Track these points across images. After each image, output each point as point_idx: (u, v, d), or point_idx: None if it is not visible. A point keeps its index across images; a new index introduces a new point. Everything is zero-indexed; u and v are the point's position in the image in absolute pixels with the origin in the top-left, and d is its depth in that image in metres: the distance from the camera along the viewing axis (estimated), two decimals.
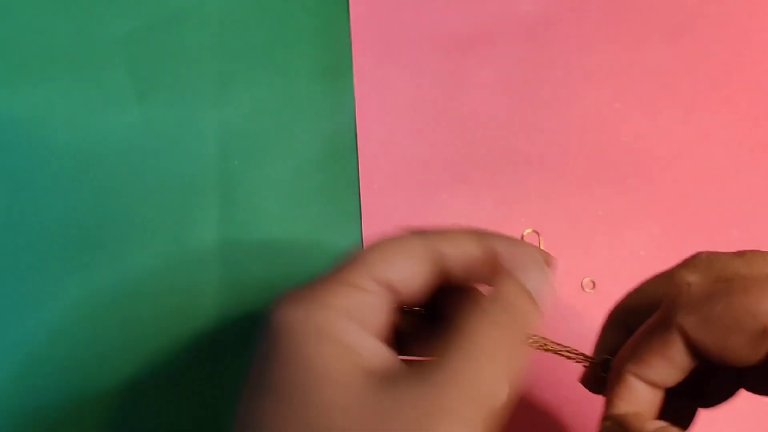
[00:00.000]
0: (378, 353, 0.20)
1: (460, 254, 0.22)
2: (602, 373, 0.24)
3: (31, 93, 0.40)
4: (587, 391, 0.26)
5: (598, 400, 0.24)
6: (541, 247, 0.37)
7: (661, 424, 0.20)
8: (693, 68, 0.41)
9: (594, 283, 0.36)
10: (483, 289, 0.24)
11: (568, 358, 0.25)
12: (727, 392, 0.23)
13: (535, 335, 0.24)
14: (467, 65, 0.41)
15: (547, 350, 0.24)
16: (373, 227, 0.38)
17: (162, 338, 0.36)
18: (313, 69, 0.41)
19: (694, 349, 0.21)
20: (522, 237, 0.37)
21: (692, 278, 0.22)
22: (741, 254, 0.22)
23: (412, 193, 0.38)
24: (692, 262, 0.23)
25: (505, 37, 0.42)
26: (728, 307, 0.20)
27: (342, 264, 0.22)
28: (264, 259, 0.37)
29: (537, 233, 0.37)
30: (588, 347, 0.35)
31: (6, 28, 0.41)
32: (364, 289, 0.21)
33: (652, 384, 0.22)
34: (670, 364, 0.21)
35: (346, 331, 0.20)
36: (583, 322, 0.36)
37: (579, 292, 0.36)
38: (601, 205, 0.38)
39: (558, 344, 0.24)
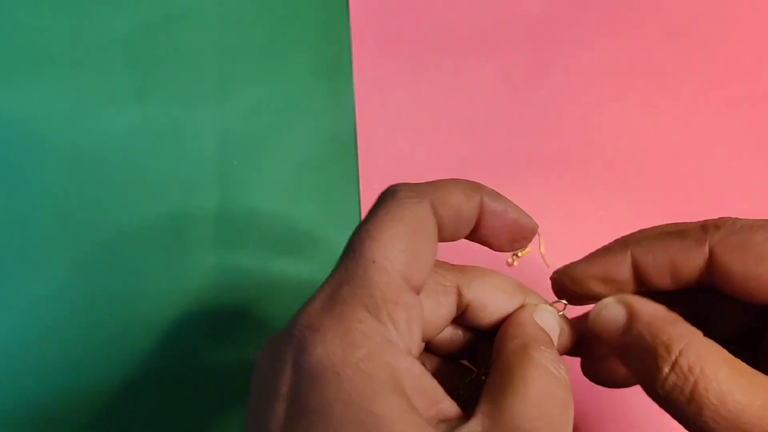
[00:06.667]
0: (427, 392, 0.19)
1: (458, 217, 0.21)
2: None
3: (30, 92, 0.40)
4: None
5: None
6: (541, 248, 0.37)
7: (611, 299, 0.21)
8: (693, 68, 0.41)
9: None
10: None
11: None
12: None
13: None
14: (467, 65, 0.41)
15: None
16: None
17: (160, 337, 0.36)
18: (313, 69, 0.41)
19: (711, 273, 0.21)
20: None
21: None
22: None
23: None
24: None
25: (506, 37, 0.42)
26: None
27: (357, 272, 0.19)
28: (263, 258, 0.37)
29: (537, 233, 0.37)
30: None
31: (6, 28, 0.41)
32: (399, 304, 0.19)
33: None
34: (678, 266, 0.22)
35: (405, 367, 0.18)
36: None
37: None
38: (601, 205, 0.38)
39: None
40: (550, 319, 0.22)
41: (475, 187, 0.22)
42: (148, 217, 0.38)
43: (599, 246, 0.39)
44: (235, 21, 0.42)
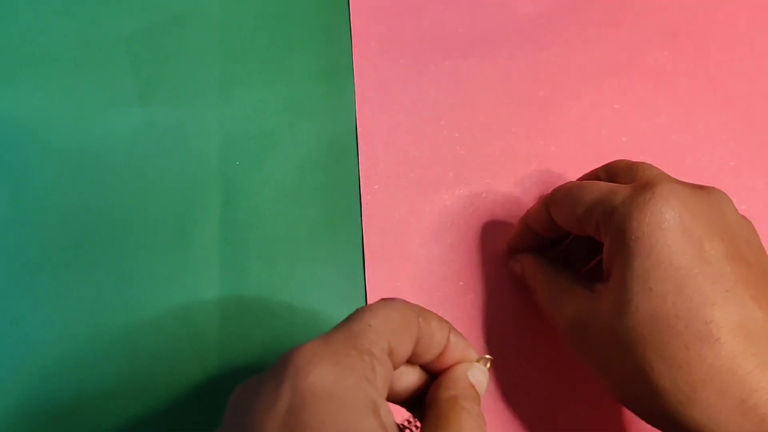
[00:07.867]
0: (393, 426, 0.22)
1: (431, 337, 0.25)
2: None
3: (34, 94, 0.40)
4: None
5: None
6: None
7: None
8: (691, 69, 0.41)
9: None
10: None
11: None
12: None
13: None
14: (467, 66, 0.41)
15: None
16: (373, 227, 0.38)
17: (163, 337, 0.36)
18: (314, 70, 0.41)
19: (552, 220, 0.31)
20: None
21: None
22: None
23: (412, 193, 0.39)
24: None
25: (505, 37, 0.42)
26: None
27: (353, 328, 0.23)
28: (265, 259, 0.37)
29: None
30: None
31: (9, 29, 0.42)
32: (380, 360, 0.23)
33: (533, 230, 0.33)
34: (541, 223, 0.32)
35: (380, 403, 0.21)
36: None
37: None
38: None
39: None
40: (480, 377, 0.26)
41: (446, 322, 0.26)
42: (151, 218, 0.38)
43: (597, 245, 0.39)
44: (237, 23, 0.42)
